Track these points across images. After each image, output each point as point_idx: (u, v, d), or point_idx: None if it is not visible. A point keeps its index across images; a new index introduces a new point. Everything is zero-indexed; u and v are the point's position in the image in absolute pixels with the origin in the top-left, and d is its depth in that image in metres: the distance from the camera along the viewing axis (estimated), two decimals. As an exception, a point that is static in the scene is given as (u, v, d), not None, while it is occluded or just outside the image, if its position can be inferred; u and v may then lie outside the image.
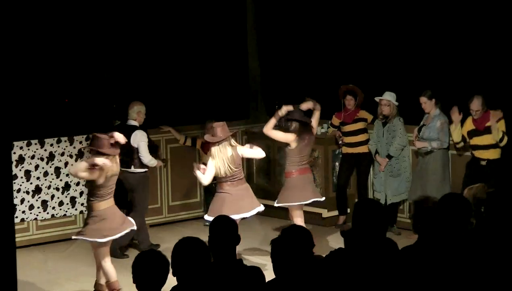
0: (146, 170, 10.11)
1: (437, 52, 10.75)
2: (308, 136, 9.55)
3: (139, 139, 9.94)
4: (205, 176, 8.94)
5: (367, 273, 4.88)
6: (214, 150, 8.90)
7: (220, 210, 8.61)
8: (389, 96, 10.50)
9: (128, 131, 9.72)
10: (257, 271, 5.12)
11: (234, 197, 8.95)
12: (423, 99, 10.13)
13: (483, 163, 9.67)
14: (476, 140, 9.77)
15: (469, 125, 9.83)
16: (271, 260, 4.88)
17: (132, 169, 9.99)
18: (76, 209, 10.81)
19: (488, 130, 9.66)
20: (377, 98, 10.59)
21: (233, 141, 9.03)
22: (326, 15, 12.06)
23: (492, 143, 9.63)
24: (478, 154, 9.75)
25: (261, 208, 9.21)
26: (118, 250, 9.88)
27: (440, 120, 10.09)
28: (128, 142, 9.36)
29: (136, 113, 10.01)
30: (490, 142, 9.64)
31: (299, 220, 9.45)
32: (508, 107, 9.65)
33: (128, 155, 9.82)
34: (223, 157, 8.87)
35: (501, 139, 9.54)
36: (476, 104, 9.68)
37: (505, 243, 5.31)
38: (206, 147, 11.38)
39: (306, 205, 9.74)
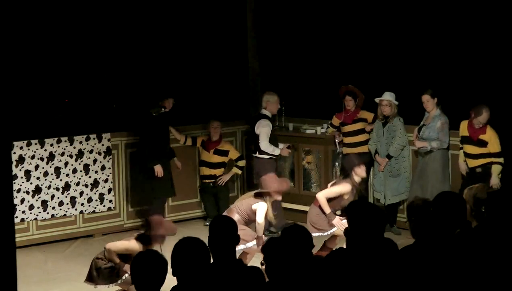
0: (271, 156, 10.63)
1: (437, 52, 10.76)
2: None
3: (261, 127, 10.58)
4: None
5: (367, 273, 4.88)
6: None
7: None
8: (389, 96, 10.50)
9: (257, 119, 10.70)
10: (257, 271, 5.12)
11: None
12: (425, 98, 10.11)
13: (479, 169, 9.71)
14: (467, 148, 9.82)
15: (463, 130, 9.83)
16: (265, 260, 4.87)
17: (257, 154, 10.67)
18: (76, 209, 10.81)
19: (479, 143, 9.67)
20: (377, 99, 10.58)
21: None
22: (326, 15, 12.07)
23: (481, 153, 9.65)
24: (470, 163, 9.80)
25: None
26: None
27: (440, 120, 10.09)
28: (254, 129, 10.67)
29: (265, 103, 10.65)
30: (479, 152, 9.67)
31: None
32: (509, 107, 9.65)
33: (254, 141, 10.69)
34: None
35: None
36: (484, 117, 9.60)
37: (506, 243, 5.31)
38: (207, 145, 11.41)
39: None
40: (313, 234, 8.93)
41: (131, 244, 7.90)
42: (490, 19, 10.13)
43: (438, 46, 10.74)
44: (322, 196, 9.20)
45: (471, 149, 9.76)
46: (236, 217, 8.55)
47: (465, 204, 5.48)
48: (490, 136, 9.58)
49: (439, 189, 9.61)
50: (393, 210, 10.68)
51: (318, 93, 11.97)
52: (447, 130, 10.09)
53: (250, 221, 8.77)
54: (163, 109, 10.60)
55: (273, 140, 10.72)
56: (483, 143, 9.64)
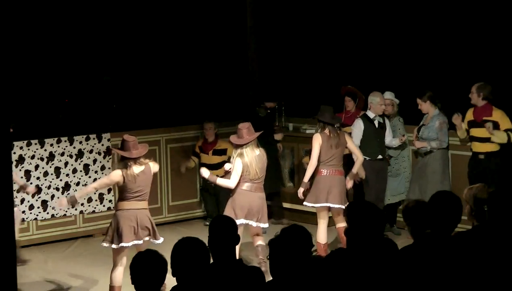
0: (371, 158, 10.17)
1: (436, 52, 10.76)
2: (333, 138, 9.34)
3: (352, 127, 10.32)
4: (231, 179, 8.77)
5: (367, 273, 4.88)
6: (243, 151, 8.75)
7: (231, 213, 8.62)
8: (390, 95, 10.50)
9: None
10: (257, 271, 5.12)
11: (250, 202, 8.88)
12: (418, 101, 10.14)
13: (481, 156, 9.68)
14: (474, 132, 9.77)
15: (469, 115, 9.84)
16: (269, 261, 4.87)
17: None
18: (76, 209, 10.81)
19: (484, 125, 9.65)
20: (377, 98, 10.58)
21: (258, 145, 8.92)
22: (326, 16, 12.08)
23: (488, 137, 9.62)
24: (475, 147, 9.75)
25: (266, 225, 9.06)
26: None
27: (439, 120, 10.09)
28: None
29: (369, 104, 10.27)
30: (486, 135, 9.63)
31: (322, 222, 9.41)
32: (509, 106, 9.65)
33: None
34: (252, 158, 8.79)
35: (509, 139, 9.51)
36: (473, 87, 9.67)
37: (508, 243, 5.31)
38: (205, 147, 11.41)
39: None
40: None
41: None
42: (490, 19, 10.13)
43: (438, 47, 10.75)
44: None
45: (477, 132, 9.70)
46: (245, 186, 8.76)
47: (461, 203, 5.48)
48: (497, 116, 9.55)
49: (439, 189, 9.59)
50: (393, 210, 10.69)
51: (318, 94, 11.97)
52: (446, 130, 10.09)
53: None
54: (268, 111, 11.27)
55: (371, 141, 10.20)
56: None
